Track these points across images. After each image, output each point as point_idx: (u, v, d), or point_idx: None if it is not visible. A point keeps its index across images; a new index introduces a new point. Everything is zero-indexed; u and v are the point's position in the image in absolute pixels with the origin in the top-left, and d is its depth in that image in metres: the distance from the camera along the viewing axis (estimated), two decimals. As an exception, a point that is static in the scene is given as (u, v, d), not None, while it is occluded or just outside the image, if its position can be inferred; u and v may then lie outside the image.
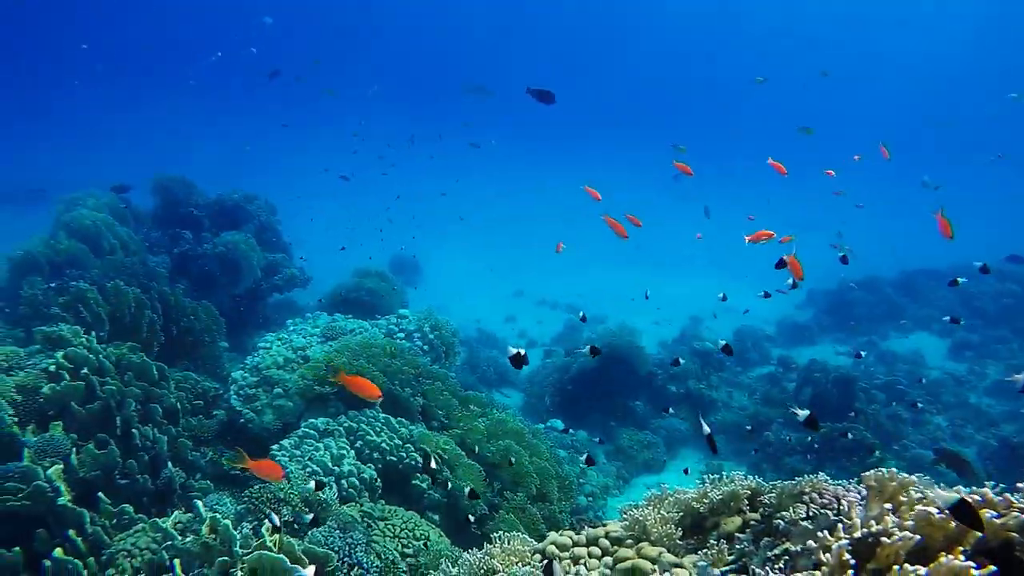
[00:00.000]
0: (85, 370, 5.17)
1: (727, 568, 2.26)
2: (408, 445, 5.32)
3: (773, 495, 2.41)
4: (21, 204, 19.40)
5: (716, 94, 47.96)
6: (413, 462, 5.24)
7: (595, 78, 48.53)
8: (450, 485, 5.16)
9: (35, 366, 5.28)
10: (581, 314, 4.93)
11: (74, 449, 4.70)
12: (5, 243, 9.86)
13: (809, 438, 9.19)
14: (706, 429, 3.19)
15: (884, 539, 1.25)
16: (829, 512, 1.86)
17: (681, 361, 5.26)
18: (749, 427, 9.57)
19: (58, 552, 3.74)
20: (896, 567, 1.20)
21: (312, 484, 3.78)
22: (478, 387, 9.09)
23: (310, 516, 3.60)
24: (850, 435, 8.81)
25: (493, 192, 29.83)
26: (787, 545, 2.05)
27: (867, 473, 1.58)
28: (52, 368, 5.16)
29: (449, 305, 13.70)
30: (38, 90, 38.71)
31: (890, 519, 1.33)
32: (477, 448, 5.52)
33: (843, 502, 2.03)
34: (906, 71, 46.15)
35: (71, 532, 3.92)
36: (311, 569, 2.82)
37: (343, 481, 4.90)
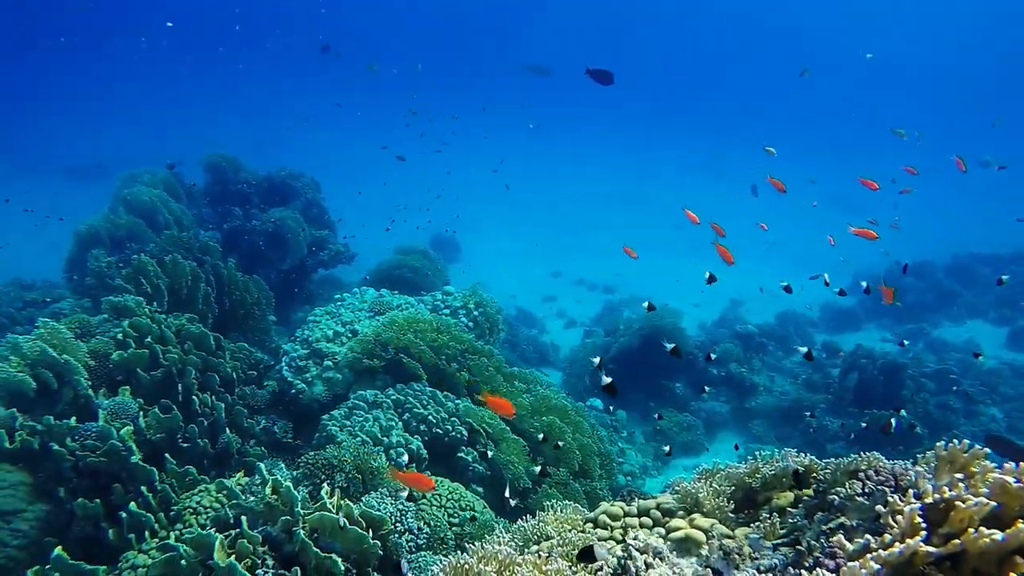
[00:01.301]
0: (149, 339, 5.42)
1: (779, 541, 2.28)
2: (454, 419, 5.44)
3: (828, 471, 2.41)
4: (83, 179, 20.22)
5: (762, 76, 46.59)
6: (459, 435, 5.36)
7: (644, 59, 47.60)
8: (493, 458, 5.27)
9: (104, 333, 5.57)
10: (647, 303, 4.91)
11: (141, 413, 4.96)
12: (69, 215, 10.36)
13: (852, 430, 9.05)
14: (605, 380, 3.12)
15: (959, 503, 1.26)
16: (887, 488, 1.86)
17: (712, 356, 5.21)
18: (809, 414, 9.51)
19: (133, 505, 3.99)
20: (971, 530, 1.21)
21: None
22: (518, 365, 9.18)
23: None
24: (893, 422, 8.64)
25: (537, 172, 29.69)
26: (842, 519, 2.05)
27: (938, 443, 1.57)
28: (119, 336, 5.43)
29: (488, 283, 13.79)
30: (101, 63, 39.95)
31: (962, 486, 1.33)
32: (522, 423, 5.61)
33: (901, 480, 2.02)
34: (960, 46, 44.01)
35: (143, 488, 4.16)
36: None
37: (392, 451, 5.05)
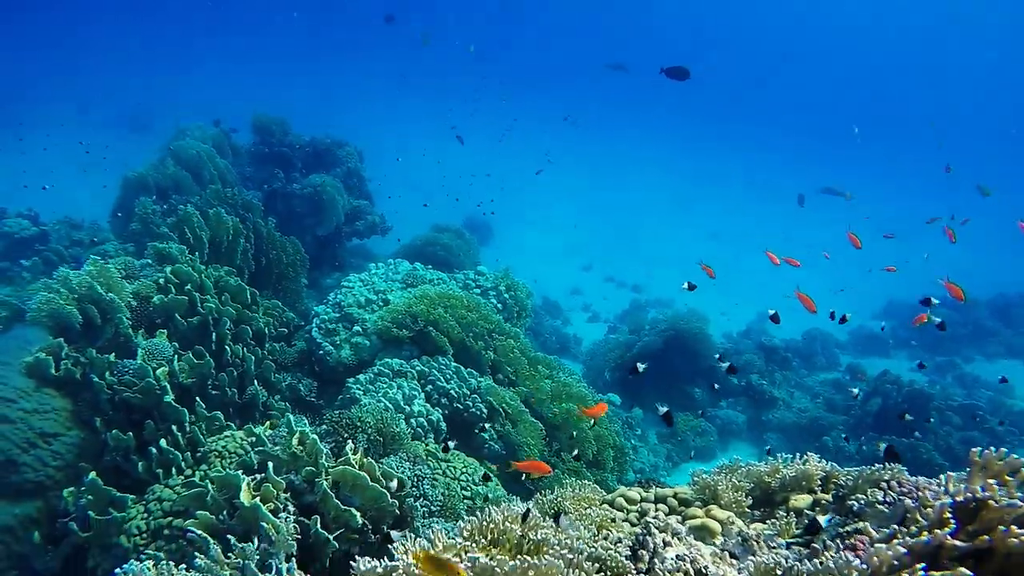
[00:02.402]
0: (189, 286, 5.60)
1: (792, 540, 2.30)
2: (475, 396, 5.53)
3: (849, 478, 2.42)
4: (135, 129, 20.75)
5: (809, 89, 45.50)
6: (479, 412, 5.45)
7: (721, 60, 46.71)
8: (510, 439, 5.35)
9: (147, 278, 5.76)
10: (686, 284, 4.93)
11: (176, 356, 5.14)
12: (119, 163, 10.67)
13: (869, 455, 8.99)
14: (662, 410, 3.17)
15: (991, 502, 1.27)
16: (908, 499, 1.87)
17: (726, 362, 5.21)
18: (845, 436, 9.47)
19: (163, 442, 4.15)
20: (1001, 528, 1.23)
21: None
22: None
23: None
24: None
25: (585, 169, 29.55)
26: (860, 525, 2.07)
27: (974, 449, 1.58)
28: (162, 281, 5.61)
29: (517, 269, 13.89)
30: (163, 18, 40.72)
31: (996, 488, 1.35)
32: (540, 408, 5.68)
33: (924, 493, 2.03)
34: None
35: (174, 427, 4.32)
36: (394, 483, 3.03)
37: (412, 420, 5.16)
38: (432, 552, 1.95)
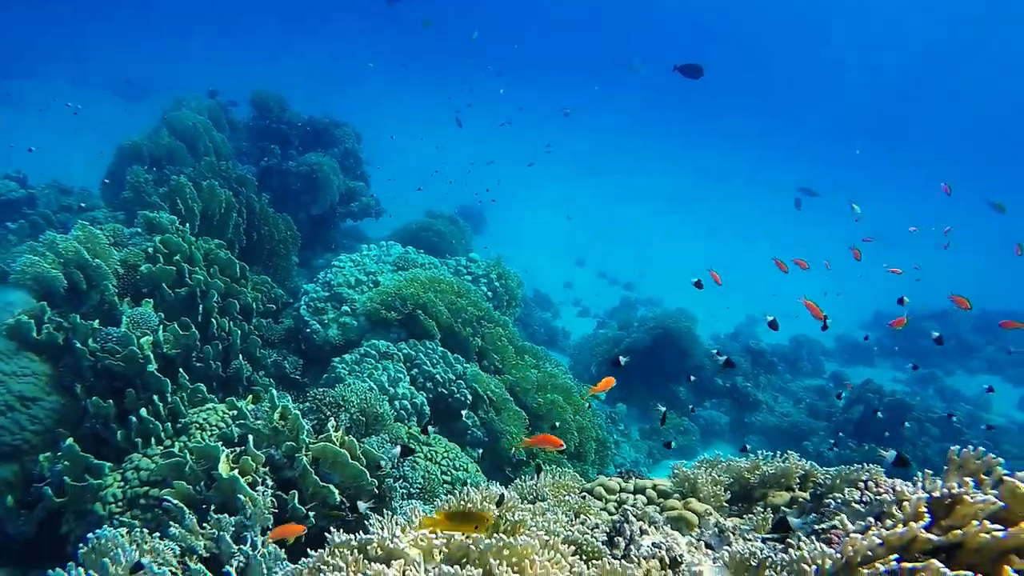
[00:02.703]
0: (178, 257, 5.54)
1: (768, 536, 2.32)
2: (460, 381, 5.52)
3: (828, 477, 2.44)
4: (130, 98, 20.47)
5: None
6: (463, 398, 5.44)
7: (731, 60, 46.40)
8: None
9: (136, 246, 5.69)
10: (696, 280, 4.95)
11: (161, 327, 5.09)
12: (113, 131, 10.52)
13: (847, 460, 9.10)
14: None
15: (966, 497, 1.28)
16: (886, 499, 1.88)
17: (720, 355, 5.23)
18: (832, 442, 9.53)
19: (144, 411, 4.12)
20: (975, 522, 1.23)
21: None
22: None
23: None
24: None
25: (584, 166, 29.42)
26: (836, 521, 2.09)
27: (952, 448, 1.59)
28: (150, 250, 5.55)
29: (509, 259, 13.90)
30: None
31: (972, 484, 1.36)
32: (525, 397, 5.68)
33: (901, 496, 2.04)
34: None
35: (155, 397, 4.29)
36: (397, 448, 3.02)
37: (396, 402, 5.15)
38: (451, 508, 1.94)
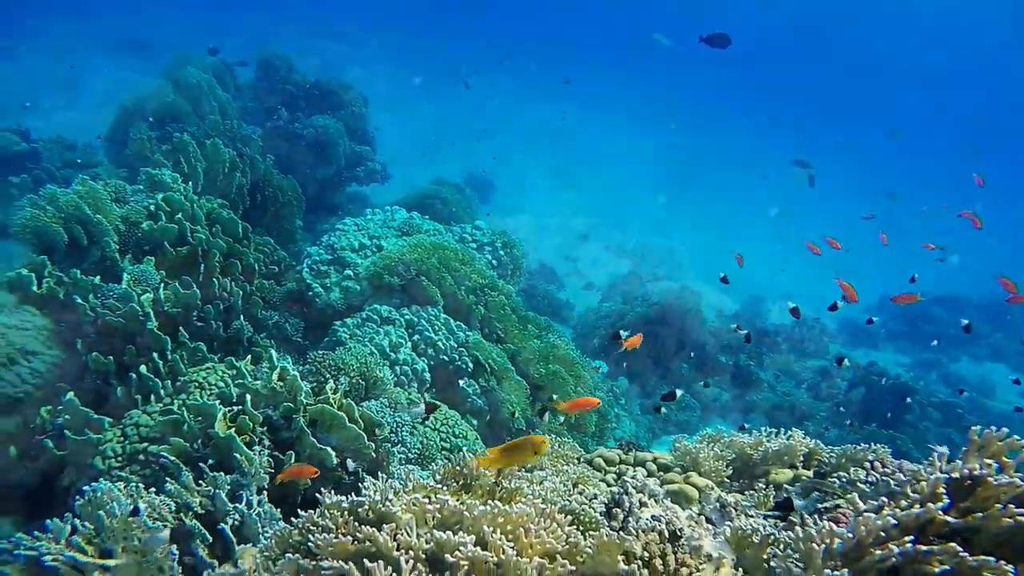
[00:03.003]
0: (180, 215, 5.48)
1: (769, 513, 2.28)
2: (462, 349, 5.49)
3: (832, 456, 2.39)
4: (134, 55, 20.15)
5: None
6: (464, 366, 5.41)
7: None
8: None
9: (138, 203, 5.63)
10: (722, 276, 4.89)
11: (162, 285, 5.05)
12: (106, 92, 10.37)
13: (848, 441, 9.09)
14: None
15: (989, 479, 1.23)
16: (900, 474, 1.83)
17: (748, 343, 5.20)
18: (849, 422, 9.53)
19: (143, 368, 4.10)
20: (998, 505, 1.18)
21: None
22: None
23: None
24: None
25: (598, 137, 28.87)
26: (839, 502, 2.04)
27: (973, 427, 1.53)
28: (152, 207, 5.49)
29: (515, 231, 13.79)
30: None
31: (995, 467, 1.30)
32: (527, 366, 5.65)
33: (917, 469, 1.99)
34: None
35: (155, 355, 4.27)
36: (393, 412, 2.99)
37: (396, 368, 5.12)
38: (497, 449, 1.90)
